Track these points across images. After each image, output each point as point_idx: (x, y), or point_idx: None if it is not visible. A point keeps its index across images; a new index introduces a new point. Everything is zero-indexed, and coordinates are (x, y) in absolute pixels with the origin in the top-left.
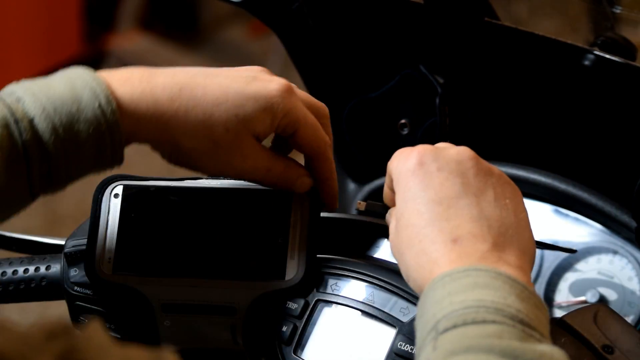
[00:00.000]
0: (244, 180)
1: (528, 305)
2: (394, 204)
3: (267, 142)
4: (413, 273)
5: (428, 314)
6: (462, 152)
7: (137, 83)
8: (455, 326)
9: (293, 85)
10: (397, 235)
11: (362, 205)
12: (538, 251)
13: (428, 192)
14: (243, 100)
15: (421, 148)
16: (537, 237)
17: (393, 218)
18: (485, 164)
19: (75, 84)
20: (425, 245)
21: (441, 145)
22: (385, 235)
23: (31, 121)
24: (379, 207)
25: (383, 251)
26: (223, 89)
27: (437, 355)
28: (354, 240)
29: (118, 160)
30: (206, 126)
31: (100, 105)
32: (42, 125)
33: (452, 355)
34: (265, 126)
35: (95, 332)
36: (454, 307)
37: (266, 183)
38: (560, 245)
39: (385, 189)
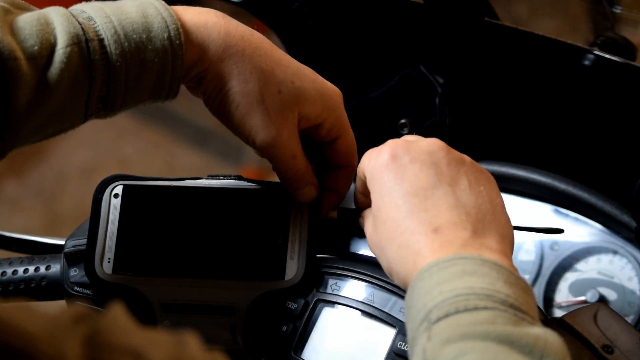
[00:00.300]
0: (264, 153)
1: (516, 290)
2: (366, 207)
3: None
4: (396, 266)
5: (418, 305)
6: (433, 143)
7: (213, 15)
8: (447, 315)
9: None
10: (376, 231)
11: (334, 214)
12: (538, 251)
13: (403, 185)
14: (303, 76)
15: (392, 142)
16: (519, 222)
17: (369, 216)
18: (456, 153)
19: (148, 12)
20: (406, 238)
21: (410, 137)
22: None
23: (101, 42)
24: (352, 211)
25: None
26: (289, 58)
27: (433, 344)
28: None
29: (173, 93)
30: (262, 77)
31: (169, 37)
32: (111, 48)
33: (448, 343)
34: (314, 110)
35: (119, 315)
36: (445, 295)
37: (284, 170)
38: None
39: (356, 193)
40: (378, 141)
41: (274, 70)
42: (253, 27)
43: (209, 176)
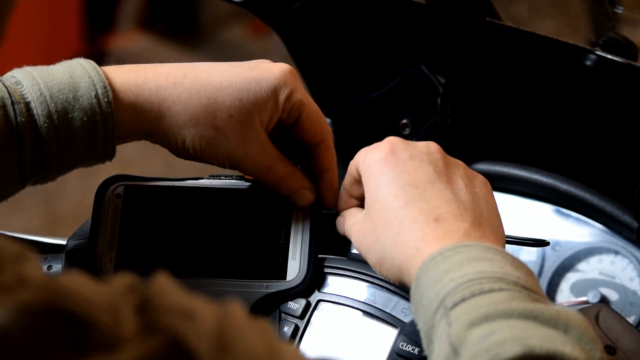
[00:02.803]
0: (244, 173)
1: (524, 273)
2: (348, 206)
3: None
4: (391, 253)
5: (429, 294)
6: (431, 145)
7: (142, 71)
8: (464, 299)
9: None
10: (370, 221)
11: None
12: (539, 252)
13: (403, 176)
14: (246, 84)
15: (391, 138)
16: (512, 232)
17: (354, 213)
18: (451, 158)
19: (75, 72)
20: (406, 225)
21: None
22: None
23: (27, 104)
24: (330, 215)
25: None
26: (227, 75)
27: (457, 328)
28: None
29: (109, 153)
30: (209, 111)
31: (96, 95)
32: (38, 109)
33: (473, 325)
34: (270, 110)
35: (165, 282)
36: (456, 282)
37: (266, 182)
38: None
39: (343, 191)
40: (379, 141)
41: (217, 100)
42: (253, 27)
43: (210, 176)
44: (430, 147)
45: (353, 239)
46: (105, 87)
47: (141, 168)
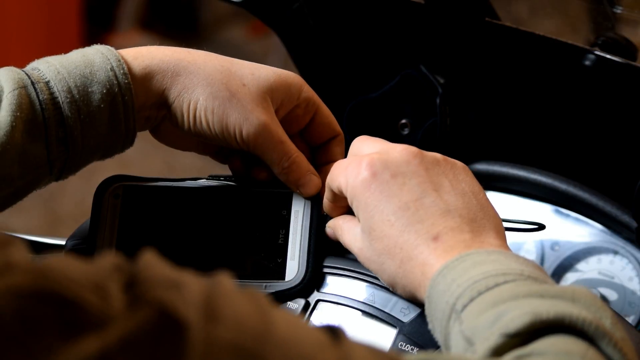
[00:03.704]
0: (254, 147)
1: (528, 266)
2: (336, 214)
3: None
4: (401, 280)
5: (441, 306)
6: (405, 153)
7: (154, 46)
8: (472, 299)
9: None
10: (371, 248)
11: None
12: (539, 251)
13: (392, 201)
14: (260, 68)
15: (368, 159)
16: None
17: (350, 223)
18: (428, 155)
19: (87, 52)
20: (408, 252)
21: (380, 148)
22: None
23: (47, 83)
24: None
25: None
26: (240, 60)
27: (469, 321)
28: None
29: (131, 132)
30: (223, 75)
31: (112, 68)
32: (58, 86)
33: (482, 313)
34: (283, 94)
35: (151, 257)
36: (463, 286)
37: (275, 158)
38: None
39: (325, 201)
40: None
41: (231, 68)
42: (253, 27)
43: (209, 177)
44: (406, 156)
45: (358, 258)
46: (119, 60)
47: (141, 168)
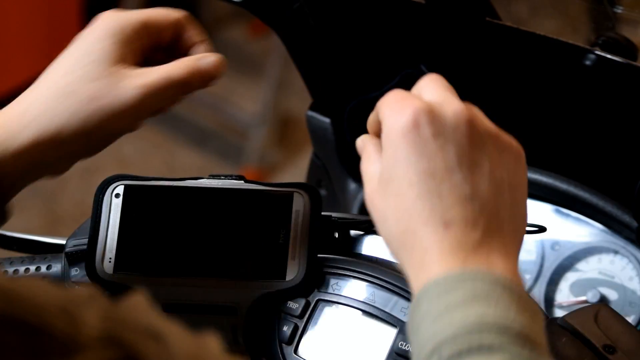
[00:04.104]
0: (156, 106)
1: (528, 315)
2: (372, 131)
3: None
4: (398, 248)
5: (426, 333)
6: (459, 115)
7: None
8: (460, 354)
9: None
10: (382, 197)
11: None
12: (539, 251)
13: (422, 161)
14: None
15: (418, 105)
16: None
17: (374, 154)
18: (482, 127)
19: None
20: (415, 225)
21: (437, 99)
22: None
23: None
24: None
25: (381, 249)
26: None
27: None
28: (354, 239)
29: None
30: (68, 84)
31: None
32: None
33: None
34: (137, 45)
35: (140, 299)
36: (455, 328)
37: (178, 85)
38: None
39: (370, 120)
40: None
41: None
42: (253, 27)
43: (210, 176)
44: (458, 119)
45: (364, 196)
46: None
47: (141, 168)
